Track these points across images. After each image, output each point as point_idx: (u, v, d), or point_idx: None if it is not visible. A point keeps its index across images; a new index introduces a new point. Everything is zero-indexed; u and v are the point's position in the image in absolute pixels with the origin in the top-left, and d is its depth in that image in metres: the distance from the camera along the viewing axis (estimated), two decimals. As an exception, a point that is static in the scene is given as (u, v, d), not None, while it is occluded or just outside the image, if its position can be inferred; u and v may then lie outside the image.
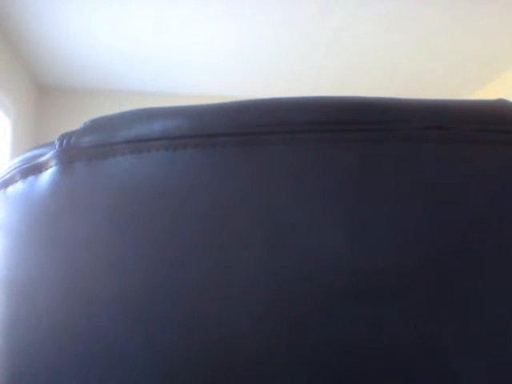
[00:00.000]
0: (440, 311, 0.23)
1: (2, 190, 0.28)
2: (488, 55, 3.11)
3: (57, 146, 0.27)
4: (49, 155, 0.27)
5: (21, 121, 3.24)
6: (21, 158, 0.28)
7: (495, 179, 0.24)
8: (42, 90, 3.63)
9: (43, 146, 0.28)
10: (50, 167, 0.26)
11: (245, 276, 0.24)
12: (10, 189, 0.27)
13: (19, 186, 0.27)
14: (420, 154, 0.24)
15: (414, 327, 0.23)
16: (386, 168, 0.24)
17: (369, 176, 0.24)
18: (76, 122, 3.61)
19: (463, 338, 0.23)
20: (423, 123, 0.25)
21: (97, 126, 0.27)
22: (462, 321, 0.23)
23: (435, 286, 0.23)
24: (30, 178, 0.27)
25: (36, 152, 0.27)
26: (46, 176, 0.26)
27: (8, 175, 0.28)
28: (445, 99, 0.27)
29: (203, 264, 0.24)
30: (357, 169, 0.24)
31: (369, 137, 0.24)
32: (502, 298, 0.24)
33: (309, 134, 0.24)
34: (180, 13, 2.64)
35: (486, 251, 0.24)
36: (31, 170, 0.27)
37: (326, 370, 0.23)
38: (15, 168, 0.28)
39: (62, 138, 0.27)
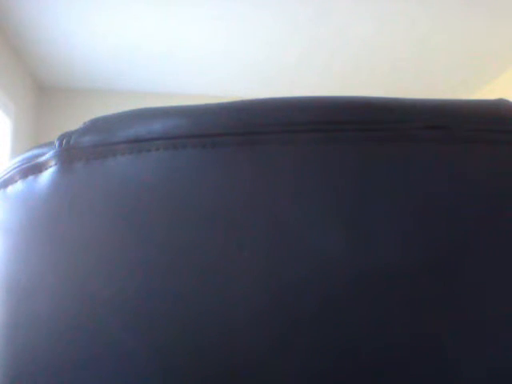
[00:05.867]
0: (440, 311, 0.23)
1: (2, 190, 0.28)
2: (488, 55, 3.10)
3: (56, 146, 0.27)
4: (48, 155, 0.27)
5: (21, 121, 3.24)
6: (20, 157, 0.28)
7: (495, 179, 0.24)
8: (42, 90, 3.63)
9: (43, 145, 0.28)
10: (50, 167, 0.26)
11: (244, 275, 0.24)
12: (10, 188, 0.27)
13: (19, 186, 0.27)
14: (420, 154, 0.24)
15: (414, 327, 0.23)
16: (386, 168, 0.24)
17: (369, 176, 0.24)
18: (76, 122, 3.61)
19: (463, 338, 0.23)
20: (423, 123, 0.25)
21: (97, 125, 0.27)
22: (462, 321, 0.23)
23: (435, 285, 0.23)
24: (30, 178, 0.27)
25: (36, 152, 0.27)
26: (46, 176, 0.26)
27: (8, 175, 0.28)
28: (445, 99, 0.27)
29: (203, 263, 0.24)
30: (357, 169, 0.24)
31: (369, 137, 0.24)
32: (502, 298, 0.24)
33: (309, 134, 0.24)
34: (180, 13, 2.64)
35: (486, 250, 0.24)
36: (31, 169, 0.27)
37: (326, 369, 0.23)
38: (15, 168, 0.28)
39: (61, 137, 0.27)
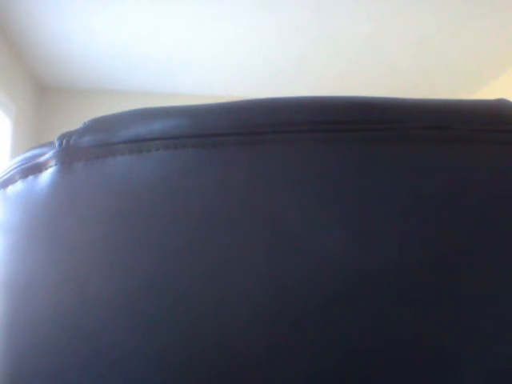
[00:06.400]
0: (440, 311, 0.23)
1: (2, 190, 0.28)
2: (488, 55, 3.10)
3: (56, 146, 0.27)
4: (48, 155, 0.27)
5: (21, 121, 3.24)
6: (20, 157, 0.28)
7: (496, 178, 0.24)
8: (42, 89, 3.63)
9: (43, 145, 0.28)
10: (50, 167, 0.26)
11: (244, 275, 0.24)
12: (10, 188, 0.27)
13: (19, 186, 0.27)
14: (420, 153, 0.24)
15: (414, 327, 0.23)
16: (386, 168, 0.24)
17: (368, 176, 0.24)
18: (76, 122, 3.61)
19: (463, 338, 0.23)
20: (423, 123, 0.25)
21: (97, 125, 0.27)
22: (461, 320, 0.23)
23: (435, 286, 0.23)
24: (30, 178, 0.27)
25: (36, 152, 0.27)
26: (46, 176, 0.26)
27: (8, 175, 0.28)
28: (445, 99, 0.27)
29: (203, 263, 0.24)
30: (357, 169, 0.24)
31: (369, 137, 0.24)
32: (502, 298, 0.24)
33: (309, 134, 0.24)
34: (180, 13, 2.64)
35: (486, 250, 0.24)
36: (31, 169, 0.27)
37: (326, 370, 0.23)
38: (15, 168, 0.28)
39: (61, 137, 0.27)
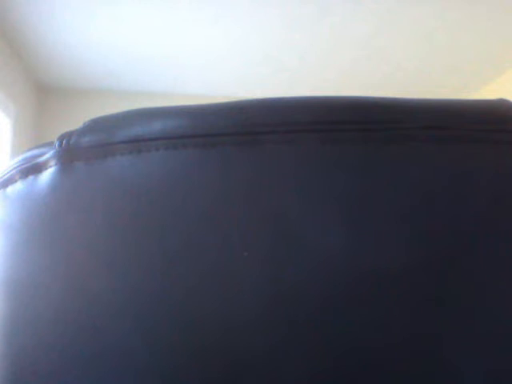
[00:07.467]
0: (440, 311, 0.23)
1: (2, 190, 0.28)
2: (488, 55, 3.11)
3: (56, 146, 0.27)
4: (48, 155, 0.27)
5: (21, 121, 3.24)
6: (20, 157, 0.28)
7: (496, 178, 0.24)
8: (42, 89, 3.63)
9: (43, 145, 0.28)
10: (50, 167, 0.26)
11: (245, 275, 0.24)
12: (10, 188, 0.27)
13: (19, 186, 0.27)
14: (420, 153, 0.24)
15: (414, 327, 0.23)
16: (386, 168, 0.24)
17: (369, 176, 0.24)
18: (76, 122, 3.61)
19: (463, 338, 0.23)
20: (423, 123, 0.25)
21: (96, 125, 0.27)
22: (461, 321, 0.23)
23: (435, 286, 0.23)
24: (30, 178, 0.27)
25: (36, 152, 0.27)
26: (46, 176, 0.26)
27: (8, 175, 0.28)
28: (445, 99, 0.27)
29: (203, 263, 0.24)
30: (357, 169, 0.24)
31: (369, 137, 0.24)
32: (502, 298, 0.24)
33: (309, 134, 0.24)
34: (180, 13, 2.64)
35: (486, 250, 0.24)
36: (31, 169, 0.27)
37: (326, 369, 0.23)
38: (15, 168, 0.28)
39: (61, 137, 0.27)
